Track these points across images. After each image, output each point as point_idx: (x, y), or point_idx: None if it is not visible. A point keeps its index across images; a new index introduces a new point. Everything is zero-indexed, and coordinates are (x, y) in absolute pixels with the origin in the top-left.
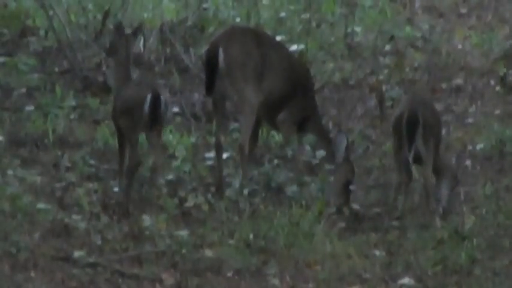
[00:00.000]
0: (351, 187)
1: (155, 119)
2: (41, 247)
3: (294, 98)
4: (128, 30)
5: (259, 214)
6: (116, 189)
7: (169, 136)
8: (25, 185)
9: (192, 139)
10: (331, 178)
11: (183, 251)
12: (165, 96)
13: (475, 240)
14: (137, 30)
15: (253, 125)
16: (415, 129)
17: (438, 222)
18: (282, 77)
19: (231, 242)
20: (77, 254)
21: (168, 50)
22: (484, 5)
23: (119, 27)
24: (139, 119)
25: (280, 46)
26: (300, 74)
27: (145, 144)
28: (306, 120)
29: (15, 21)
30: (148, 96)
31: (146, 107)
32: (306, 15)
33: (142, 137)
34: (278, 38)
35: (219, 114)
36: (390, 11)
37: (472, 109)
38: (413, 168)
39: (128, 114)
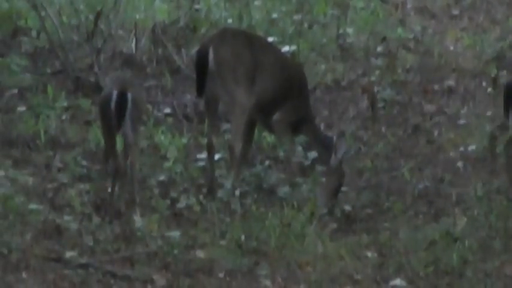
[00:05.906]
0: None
1: (121, 117)
2: (33, 248)
3: (288, 99)
4: (119, 32)
5: (251, 215)
6: (108, 190)
7: (161, 137)
8: (17, 186)
9: (184, 140)
10: (323, 180)
11: (175, 251)
12: (135, 93)
13: (466, 241)
14: None
15: (247, 127)
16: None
17: None
18: (275, 78)
19: (223, 243)
20: (68, 254)
21: (160, 51)
22: (476, 6)
23: None
24: (108, 117)
25: (273, 48)
26: (294, 75)
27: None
28: (301, 121)
29: (7, 21)
30: (114, 93)
31: (112, 104)
32: (297, 17)
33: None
34: (270, 39)
35: (211, 115)
36: (382, 12)
37: (464, 110)
38: None
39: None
